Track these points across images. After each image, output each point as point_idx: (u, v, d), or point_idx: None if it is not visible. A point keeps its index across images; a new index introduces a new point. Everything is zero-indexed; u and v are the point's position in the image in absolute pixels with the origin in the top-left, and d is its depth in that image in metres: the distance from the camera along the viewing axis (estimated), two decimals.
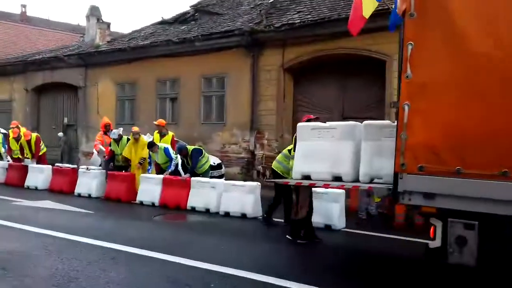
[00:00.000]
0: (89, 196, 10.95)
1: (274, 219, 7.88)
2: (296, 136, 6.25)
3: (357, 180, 5.11)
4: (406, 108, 4.01)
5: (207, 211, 8.95)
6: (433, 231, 4.19)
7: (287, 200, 7.48)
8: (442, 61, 4.00)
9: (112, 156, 11.20)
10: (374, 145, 4.98)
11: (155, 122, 11.77)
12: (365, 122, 5.25)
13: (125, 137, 11.05)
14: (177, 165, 10.34)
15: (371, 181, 5.03)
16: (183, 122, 15.96)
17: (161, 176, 10.14)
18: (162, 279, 4.66)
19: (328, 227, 7.45)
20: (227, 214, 8.68)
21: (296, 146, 5.75)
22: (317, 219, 7.17)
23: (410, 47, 4.02)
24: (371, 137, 5.06)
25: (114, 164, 11.22)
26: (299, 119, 14.41)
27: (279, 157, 7.71)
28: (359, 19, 10.00)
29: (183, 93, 16.12)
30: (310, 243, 6.43)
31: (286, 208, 7.63)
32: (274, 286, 4.50)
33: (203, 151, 10.26)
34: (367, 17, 9.83)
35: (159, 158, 10.38)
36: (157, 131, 11.31)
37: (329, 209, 7.58)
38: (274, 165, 7.67)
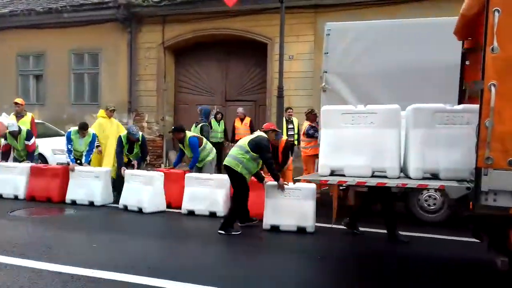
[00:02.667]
0: None
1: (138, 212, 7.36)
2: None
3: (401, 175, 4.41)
4: (493, 89, 3.33)
5: (91, 204, 8.07)
6: None
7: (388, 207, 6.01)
8: None
9: (9, 150, 9.23)
10: (427, 134, 4.23)
11: (17, 101, 10.08)
12: (414, 106, 4.43)
13: (24, 130, 9.04)
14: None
15: (424, 177, 4.28)
16: (51, 103, 14.34)
17: (25, 164, 8.89)
18: None
19: (140, 210, 7.50)
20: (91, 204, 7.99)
21: (321, 135, 4.72)
22: (131, 202, 7.60)
23: (497, 14, 3.33)
24: (422, 124, 4.27)
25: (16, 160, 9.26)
26: (182, 100, 13.99)
27: (247, 161, 6.18)
28: None
29: (50, 70, 14.44)
30: (184, 236, 6.06)
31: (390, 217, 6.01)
32: (147, 287, 4.06)
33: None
34: None
35: (83, 144, 8.79)
36: (14, 112, 9.83)
37: (141, 192, 7.60)
38: (243, 171, 6.17)
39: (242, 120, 11.21)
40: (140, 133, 8.73)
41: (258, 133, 6.46)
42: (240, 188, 6.27)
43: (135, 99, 13.49)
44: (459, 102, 4.91)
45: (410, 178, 4.23)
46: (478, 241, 4.56)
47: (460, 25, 4.47)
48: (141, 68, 13.42)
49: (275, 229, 6.32)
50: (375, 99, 6.86)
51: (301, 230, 6.24)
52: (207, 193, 7.37)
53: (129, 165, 8.54)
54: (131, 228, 6.65)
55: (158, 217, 7.26)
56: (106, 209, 7.94)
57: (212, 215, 7.23)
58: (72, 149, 8.68)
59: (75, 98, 14.24)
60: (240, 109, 11.44)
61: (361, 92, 7.15)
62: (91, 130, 8.97)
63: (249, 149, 6.12)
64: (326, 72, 7.45)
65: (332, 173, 4.46)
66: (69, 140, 8.67)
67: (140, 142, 8.56)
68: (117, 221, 7.18)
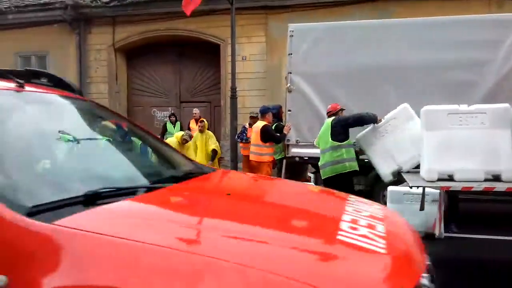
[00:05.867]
0: None
1: None
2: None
3: None
4: None
5: None
6: None
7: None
8: None
9: None
10: None
11: None
12: None
13: None
14: None
15: None
16: None
17: None
18: None
19: None
20: None
21: (424, 137, 4.41)
22: None
23: None
24: None
25: None
26: (136, 103, 13.78)
27: (347, 153, 5.64)
28: None
29: None
30: None
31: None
32: None
33: None
34: None
35: None
36: None
37: None
38: (352, 165, 5.62)
39: (197, 121, 11.19)
40: None
41: (328, 119, 6.03)
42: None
43: None
44: None
45: None
46: None
47: None
48: (91, 70, 13.15)
49: None
50: (336, 99, 7.02)
51: None
52: None
53: None
54: None
55: None
56: None
57: None
58: None
59: None
60: (195, 110, 11.42)
61: (324, 92, 7.23)
62: None
63: (338, 142, 5.62)
64: (290, 73, 7.47)
65: (440, 178, 4.24)
66: None
67: None
68: None
